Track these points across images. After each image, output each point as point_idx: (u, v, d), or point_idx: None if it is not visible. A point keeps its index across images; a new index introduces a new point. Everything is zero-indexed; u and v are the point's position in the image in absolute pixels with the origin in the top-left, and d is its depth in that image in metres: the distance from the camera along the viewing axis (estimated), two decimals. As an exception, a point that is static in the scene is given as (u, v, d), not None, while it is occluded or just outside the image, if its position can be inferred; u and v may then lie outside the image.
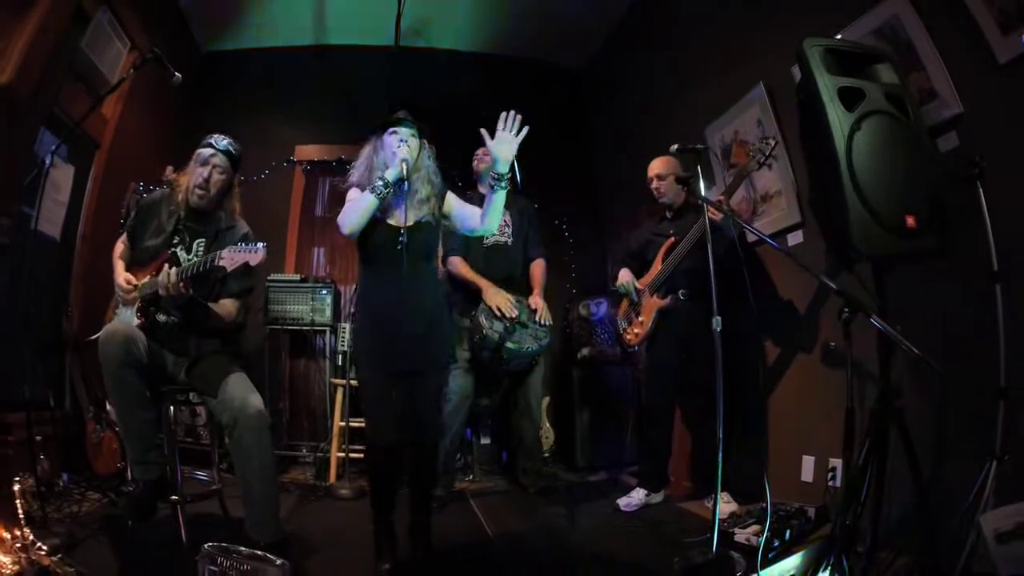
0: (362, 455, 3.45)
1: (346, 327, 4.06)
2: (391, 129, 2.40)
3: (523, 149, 3.69)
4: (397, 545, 2.38)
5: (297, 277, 4.37)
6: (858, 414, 2.00)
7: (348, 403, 3.74)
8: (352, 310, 2.61)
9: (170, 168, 4.46)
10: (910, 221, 1.95)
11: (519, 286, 3.51)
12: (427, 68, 5.07)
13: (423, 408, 2.37)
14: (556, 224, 5.11)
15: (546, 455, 4.28)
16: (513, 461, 4.01)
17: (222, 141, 2.53)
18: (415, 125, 2.43)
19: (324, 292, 4.28)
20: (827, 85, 2.05)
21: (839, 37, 2.46)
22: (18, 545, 1.97)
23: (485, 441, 4.41)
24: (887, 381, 1.98)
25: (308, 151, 5.04)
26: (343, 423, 3.79)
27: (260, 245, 2.20)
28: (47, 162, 2.63)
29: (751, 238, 3.18)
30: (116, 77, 3.73)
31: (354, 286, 4.52)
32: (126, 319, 2.40)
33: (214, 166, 2.49)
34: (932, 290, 2.24)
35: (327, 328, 4.30)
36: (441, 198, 2.46)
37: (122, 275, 2.44)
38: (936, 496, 1.98)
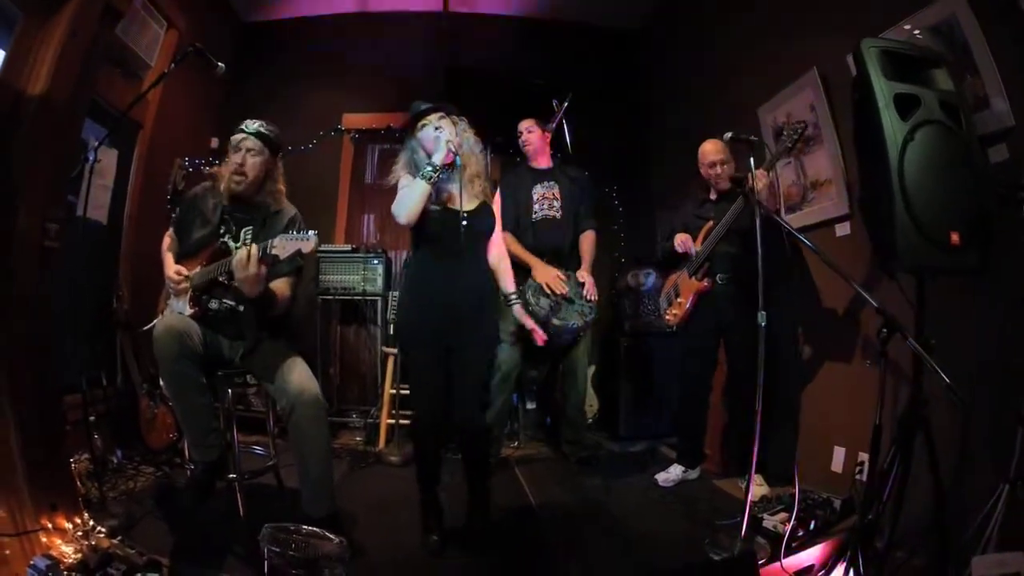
0: (411, 421, 3.50)
1: (397, 295, 3.99)
2: (420, 123, 2.39)
3: (574, 115, 3.68)
4: (444, 517, 2.48)
5: (348, 247, 4.37)
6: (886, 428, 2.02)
7: (398, 371, 3.86)
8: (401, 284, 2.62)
9: (215, 140, 4.52)
10: (954, 237, 1.92)
11: (568, 260, 3.50)
12: (476, 34, 4.96)
13: (471, 384, 2.40)
14: (606, 192, 4.98)
15: (589, 422, 4.34)
16: (557, 427, 4.08)
17: (253, 124, 2.49)
18: (441, 107, 2.41)
19: (375, 262, 4.29)
20: (883, 91, 1.99)
21: (895, 34, 2.37)
22: (79, 533, 1.98)
23: (531, 406, 4.51)
24: (918, 389, 1.99)
25: (356, 119, 5.01)
26: (393, 390, 3.89)
27: (311, 233, 2.14)
28: (91, 158, 2.61)
29: (794, 224, 3.12)
30: (155, 58, 3.73)
31: (405, 253, 4.55)
32: (178, 310, 2.43)
33: (247, 150, 2.46)
34: (970, 304, 2.21)
35: (379, 297, 4.32)
36: (490, 182, 2.48)
37: (172, 267, 2.45)
38: (954, 506, 2.00)
